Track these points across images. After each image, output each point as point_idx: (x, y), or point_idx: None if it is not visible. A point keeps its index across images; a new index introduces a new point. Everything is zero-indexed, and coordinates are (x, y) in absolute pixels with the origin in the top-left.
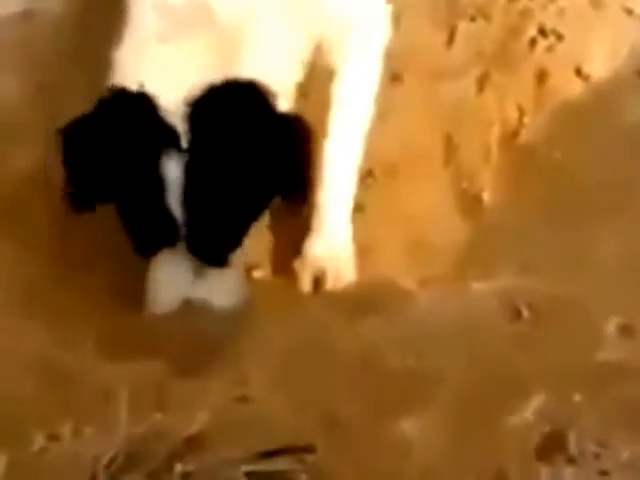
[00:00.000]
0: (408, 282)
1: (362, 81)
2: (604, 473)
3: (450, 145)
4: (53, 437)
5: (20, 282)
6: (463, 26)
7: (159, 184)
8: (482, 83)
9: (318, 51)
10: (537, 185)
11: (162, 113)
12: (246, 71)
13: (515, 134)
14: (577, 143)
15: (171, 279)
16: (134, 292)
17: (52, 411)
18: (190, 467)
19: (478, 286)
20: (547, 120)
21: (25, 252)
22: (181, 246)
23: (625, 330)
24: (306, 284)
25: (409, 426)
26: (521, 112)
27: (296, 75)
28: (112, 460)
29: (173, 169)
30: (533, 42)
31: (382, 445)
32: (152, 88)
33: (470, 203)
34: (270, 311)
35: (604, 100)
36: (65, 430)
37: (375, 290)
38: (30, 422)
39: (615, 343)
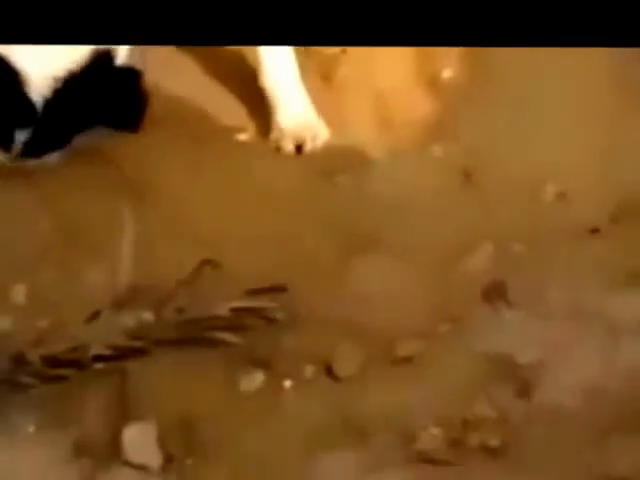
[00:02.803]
0: (375, 146)
1: None
2: (542, 318)
3: None
4: (69, 271)
5: None
6: None
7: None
8: None
9: None
10: (493, 63)
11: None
12: None
13: None
14: None
15: None
16: None
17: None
18: (185, 302)
19: (435, 150)
20: None
21: None
22: None
23: (561, 195)
24: (290, 150)
25: (369, 271)
26: None
27: None
28: (116, 293)
29: (22, 135)
30: None
31: (346, 285)
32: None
33: (432, 79)
34: (253, 172)
35: None
36: (78, 266)
37: (346, 155)
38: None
39: (553, 204)
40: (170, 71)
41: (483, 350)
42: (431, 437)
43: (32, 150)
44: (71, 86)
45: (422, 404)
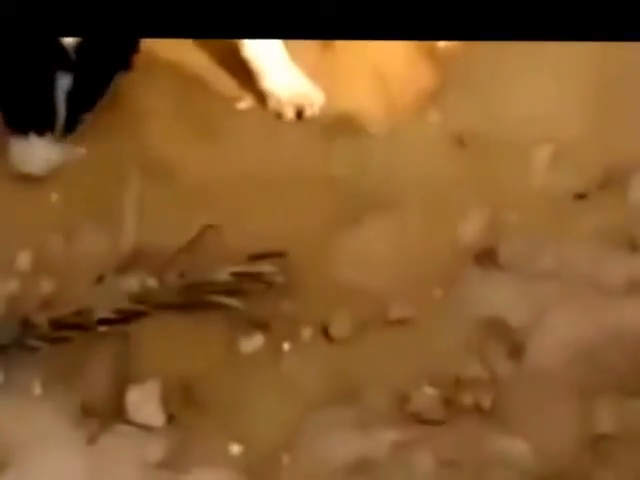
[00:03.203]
0: (372, 113)
1: None
2: (532, 280)
3: None
4: (71, 236)
5: None
6: None
7: (51, 93)
8: None
9: None
10: None
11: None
12: None
13: None
14: None
15: (35, 150)
16: None
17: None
18: (187, 267)
19: (431, 117)
20: None
21: None
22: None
23: (554, 156)
24: (292, 117)
25: (365, 236)
26: None
27: None
28: (120, 258)
29: (65, 84)
30: None
31: (342, 250)
32: None
33: (428, 48)
34: (254, 139)
35: None
36: (83, 231)
37: (344, 122)
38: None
39: (545, 167)
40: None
41: (475, 312)
42: (424, 397)
43: (75, 105)
44: None
45: (416, 365)
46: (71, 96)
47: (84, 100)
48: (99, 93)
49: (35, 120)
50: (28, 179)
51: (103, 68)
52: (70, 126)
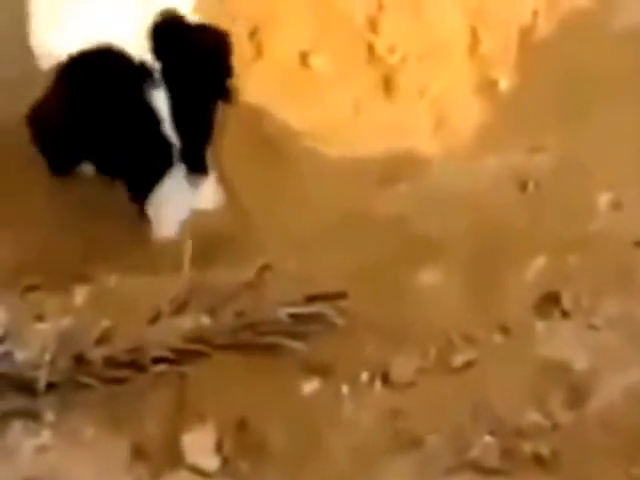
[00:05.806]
0: (432, 154)
1: None
2: (593, 327)
3: (474, 37)
4: (131, 273)
5: None
6: None
7: (153, 116)
8: None
9: None
10: (548, 75)
11: (130, 56)
12: None
13: (531, 30)
14: (583, 41)
15: (173, 202)
16: None
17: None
18: (244, 307)
19: (491, 160)
20: (559, 21)
21: None
22: (175, 169)
23: (615, 204)
24: None
25: (427, 279)
26: (535, 13)
27: None
28: (175, 297)
29: (161, 100)
30: None
31: (404, 293)
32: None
33: (489, 89)
34: (315, 177)
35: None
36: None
37: (404, 161)
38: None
39: (606, 215)
40: None
41: (536, 359)
42: (484, 445)
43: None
44: None
45: (475, 412)
46: (176, 119)
47: (191, 126)
48: (204, 120)
49: (151, 162)
50: None
51: (196, 92)
52: (193, 161)
